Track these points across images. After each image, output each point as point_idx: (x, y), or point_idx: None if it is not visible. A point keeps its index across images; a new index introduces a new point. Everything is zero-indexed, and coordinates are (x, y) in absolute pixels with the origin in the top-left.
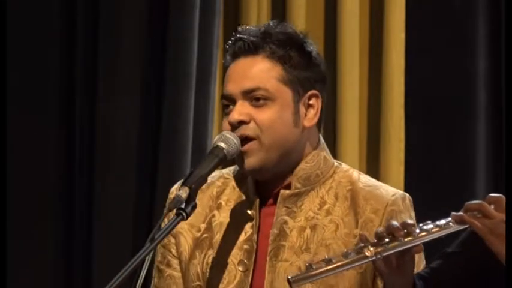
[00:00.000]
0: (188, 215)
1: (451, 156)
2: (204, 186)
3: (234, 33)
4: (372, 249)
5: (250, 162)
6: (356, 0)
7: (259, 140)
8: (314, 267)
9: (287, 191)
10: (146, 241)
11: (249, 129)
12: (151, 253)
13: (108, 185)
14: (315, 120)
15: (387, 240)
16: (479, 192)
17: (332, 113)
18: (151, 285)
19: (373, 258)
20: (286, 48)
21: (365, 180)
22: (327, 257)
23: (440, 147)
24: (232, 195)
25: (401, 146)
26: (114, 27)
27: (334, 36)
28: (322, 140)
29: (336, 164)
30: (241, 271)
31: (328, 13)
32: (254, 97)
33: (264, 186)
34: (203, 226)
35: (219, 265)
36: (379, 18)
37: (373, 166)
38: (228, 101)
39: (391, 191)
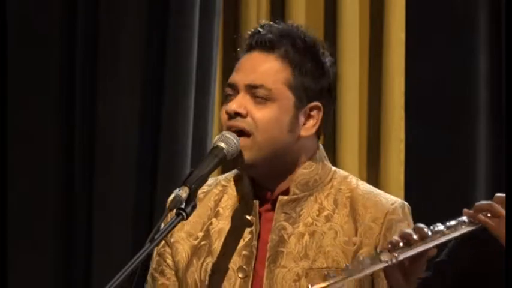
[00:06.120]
0: (188, 215)
1: (451, 156)
2: (201, 195)
3: (260, 26)
4: (387, 253)
5: (243, 157)
6: (356, 0)
7: (253, 137)
8: (332, 275)
9: (285, 197)
10: (146, 241)
11: (245, 123)
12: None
13: (108, 185)
14: (312, 131)
15: (401, 245)
16: (479, 192)
17: (332, 114)
18: None
19: (389, 262)
20: (301, 54)
21: (364, 187)
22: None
23: (440, 148)
24: (230, 201)
25: (402, 146)
26: (114, 27)
27: (334, 37)
28: (321, 148)
29: (333, 169)
30: (240, 277)
31: (328, 14)
32: (256, 94)
33: (262, 191)
34: (200, 234)
35: (218, 272)
36: (379, 18)
37: (373, 166)
38: (232, 90)
39: (390, 199)
